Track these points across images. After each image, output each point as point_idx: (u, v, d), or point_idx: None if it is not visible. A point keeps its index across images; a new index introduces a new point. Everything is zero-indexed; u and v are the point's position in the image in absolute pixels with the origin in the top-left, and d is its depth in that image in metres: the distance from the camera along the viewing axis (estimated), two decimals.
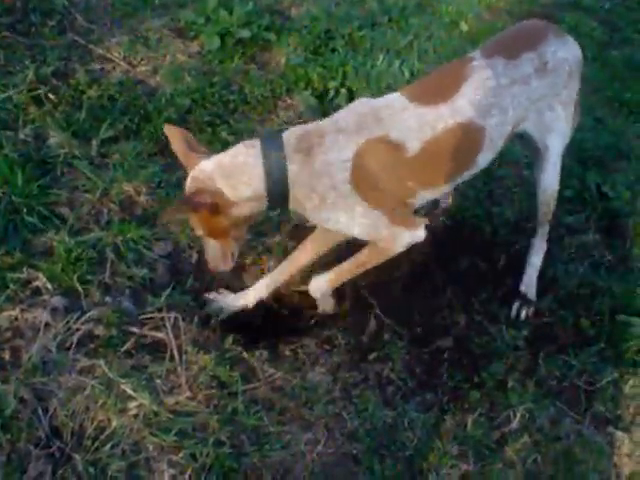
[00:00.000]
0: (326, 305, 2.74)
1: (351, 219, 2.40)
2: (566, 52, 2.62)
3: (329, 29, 4.31)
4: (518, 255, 3.10)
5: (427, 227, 2.93)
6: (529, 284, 2.96)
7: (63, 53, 3.66)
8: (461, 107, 2.41)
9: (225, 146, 3.39)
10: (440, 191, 2.62)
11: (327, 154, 2.32)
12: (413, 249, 3.06)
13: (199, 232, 2.45)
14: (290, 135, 2.38)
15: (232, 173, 2.32)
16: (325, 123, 2.41)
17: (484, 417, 2.52)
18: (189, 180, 2.36)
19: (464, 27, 4.70)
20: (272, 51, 4.16)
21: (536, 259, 2.96)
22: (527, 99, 2.53)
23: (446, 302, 2.92)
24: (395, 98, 2.45)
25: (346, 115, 2.41)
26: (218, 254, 2.50)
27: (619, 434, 2.55)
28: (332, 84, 3.86)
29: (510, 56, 2.50)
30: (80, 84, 3.48)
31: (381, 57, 4.13)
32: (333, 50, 4.19)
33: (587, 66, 4.60)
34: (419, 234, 2.50)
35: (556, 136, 2.70)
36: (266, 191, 2.33)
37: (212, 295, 2.75)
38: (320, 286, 2.64)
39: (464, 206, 3.35)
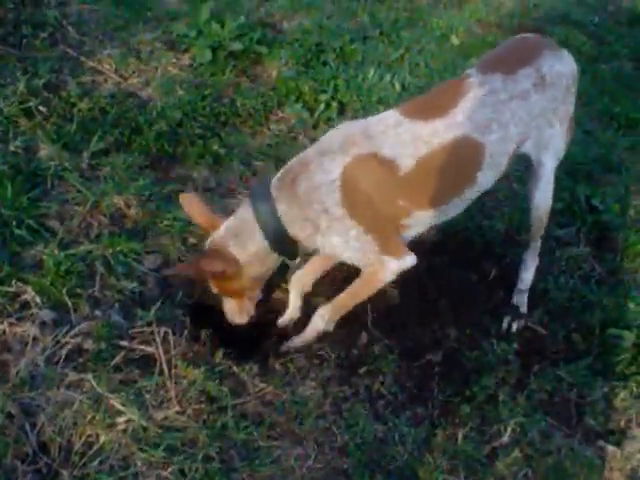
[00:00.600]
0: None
1: (345, 242, 2.40)
2: (563, 66, 2.62)
3: (320, 42, 4.33)
4: (509, 268, 3.11)
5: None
6: (521, 298, 2.96)
7: (54, 65, 3.67)
8: (458, 122, 2.37)
9: (216, 159, 3.43)
10: (440, 212, 2.53)
11: (311, 179, 2.32)
12: None
13: (214, 291, 2.57)
14: (276, 177, 2.43)
15: (239, 232, 2.42)
16: (308, 151, 2.43)
17: (475, 431, 2.52)
18: (209, 242, 2.49)
19: (455, 41, 4.74)
20: (264, 64, 4.17)
21: (528, 274, 2.97)
22: (527, 114, 2.50)
23: (437, 315, 2.91)
24: (389, 114, 2.45)
25: (330, 137, 2.42)
26: (234, 310, 2.62)
27: (610, 448, 2.54)
28: (323, 97, 3.87)
29: (507, 71, 2.48)
30: (71, 96, 3.47)
31: (372, 70, 4.15)
32: (324, 63, 4.21)
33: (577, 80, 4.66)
34: (408, 261, 2.51)
35: (551, 153, 2.69)
36: (267, 240, 2.40)
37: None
38: (323, 315, 2.64)
39: (455, 219, 3.34)
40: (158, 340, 2.50)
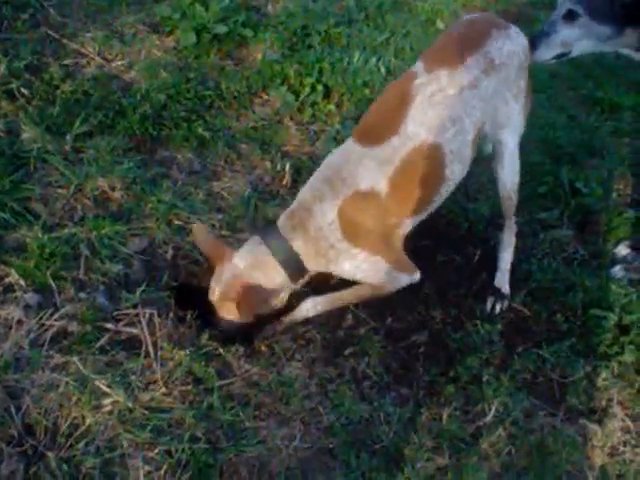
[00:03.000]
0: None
1: (356, 267, 2.57)
2: (512, 45, 2.60)
3: (306, 25, 4.30)
4: (493, 250, 3.13)
5: None
6: (502, 279, 2.98)
7: (36, 47, 3.61)
8: (411, 132, 2.46)
9: (201, 142, 3.42)
10: (426, 212, 2.68)
11: (317, 220, 2.49)
12: None
13: (229, 318, 2.59)
14: (281, 220, 2.58)
15: (261, 265, 2.52)
16: (305, 197, 2.56)
17: (459, 411, 2.54)
18: (229, 277, 2.54)
19: (440, 25, 4.73)
20: (248, 47, 4.14)
21: (506, 254, 2.99)
22: (480, 100, 2.53)
23: (422, 297, 2.93)
24: (350, 148, 2.56)
25: (320, 184, 2.55)
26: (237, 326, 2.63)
27: (592, 426, 2.58)
28: (308, 80, 3.85)
29: (454, 64, 2.48)
30: (54, 79, 3.43)
31: (357, 54, 4.13)
32: (309, 47, 4.18)
33: (560, 64, 4.68)
34: (416, 277, 2.70)
35: (510, 130, 2.70)
36: (287, 275, 2.53)
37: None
38: (315, 305, 2.70)
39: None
40: (144, 322, 2.50)
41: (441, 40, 2.76)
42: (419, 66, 2.56)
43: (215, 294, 2.58)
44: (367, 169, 2.48)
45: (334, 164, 2.59)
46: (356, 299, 2.73)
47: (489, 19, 2.77)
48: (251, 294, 2.50)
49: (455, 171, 2.58)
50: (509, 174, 2.78)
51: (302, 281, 2.64)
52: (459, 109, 2.47)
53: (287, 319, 2.70)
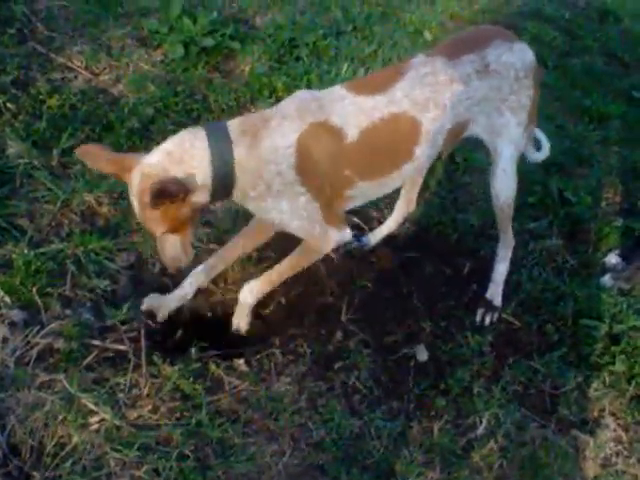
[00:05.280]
0: (242, 321, 2.69)
1: (294, 210, 2.43)
2: (512, 57, 2.62)
3: (294, 38, 4.31)
4: (483, 261, 3.13)
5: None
6: (495, 291, 2.97)
7: (23, 62, 3.60)
8: (397, 98, 2.45)
9: None
10: (381, 185, 2.60)
11: (273, 138, 2.35)
12: (380, 256, 3.12)
13: (160, 230, 2.34)
14: (233, 122, 2.39)
15: (183, 159, 2.27)
16: (268, 111, 2.45)
17: (450, 424, 2.53)
18: (137, 178, 2.24)
19: (428, 36, 4.74)
20: (236, 60, 4.14)
21: (501, 267, 2.98)
22: (468, 98, 2.55)
23: (412, 309, 2.92)
24: (336, 88, 2.52)
25: (289, 103, 2.45)
26: (179, 249, 2.42)
27: (583, 437, 2.58)
28: None
29: (451, 56, 2.54)
30: (40, 93, 3.42)
31: (346, 65, 4.13)
32: (297, 59, 4.19)
33: (548, 74, 4.71)
34: (346, 234, 2.59)
35: (506, 142, 2.70)
36: (211, 177, 2.30)
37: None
38: (251, 290, 2.62)
39: (429, 213, 3.36)
40: (131, 338, 2.49)
41: (447, 40, 2.90)
42: (421, 54, 2.62)
43: (135, 208, 2.32)
44: (345, 109, 2.42)
45: (314, 93, 2.52)
46: (291, 269, 2.61)
47: (497, 30, 2.83)
48: (166, 186, 2.17)
49: (424, 153, 2.56)
50: (502, 186, 2.77)
51: (218, 203, 2.46)
52: (445, 97, 2.50)
53: (235, 316, 2.67)
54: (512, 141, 2.71)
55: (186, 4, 4.24)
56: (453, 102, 2.51)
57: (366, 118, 2.42)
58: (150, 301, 2.66)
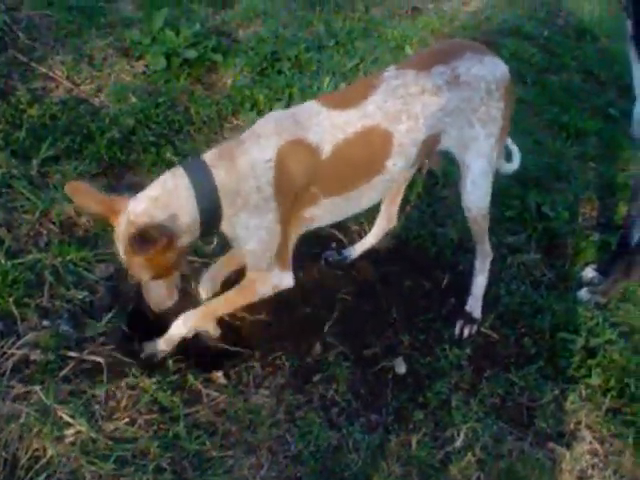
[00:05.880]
0: (162, 348, 2.56)
1: (258, 228, 2.41)
2: (482, 69, 2.64)
3: (276, 51, 4.34)
4: (462, 275, 3.15)
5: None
6: (474, 304, 2.99)
7: (3, 70, 3.59)
8: (369, 112, 2.47)
9: (170, 167, 3.37)
10: (349, 200, 2.59)
11: (250, 154, 2.36)
12: (360, 269, 3.14)
13: (145, 277, 2.38)
14: (208, 154, 2.41)
15: (169, 203, 2.29)
16: (242, 135, 2.46)
17: (428, 437, 2.53)
18: (123, 224, 2.26)
19: (409, 51, 4.79)
20: (218, 72, 4.16)
21: (480, 279, 3.00)
22: (439, 110, 2.56)
23: (390, 322, 2.93)
24: (311, 104, 2.53)
25: (264, 123, 2.46)
26: (164, 292, 2.47)
27: (560, 450, 2.59)
28: (278, 105, 3.86)
29: (422, 68, 2.57)
30: (21, 102, 3.41)
31: (327, 79, 4.16)
32: (280, 72, 4.22)
33: (527, 90, 4.78)
34: (288, 280, 2.56)
35: (475, 154, 2.70)
36: (199, 212, 2.31)
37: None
38: (186, 321, 2.53)
39: (408, 227, 3.39)
40: (109, 350, 2.47)
41: (419, 52, 2.87)
42: (392, 67, 2.64)
43: (120, 253, 2.33)
44: (320, 125, 2.44)
45: (288, 111, 2.55)
46: (228, 305, 2.59)
47: (469, 43, 2.87)
48: (151, 235, 2.19)
49: (396, 166, 2.57)
50: (472, 198, 2.78)
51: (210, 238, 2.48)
52: (417, 108, 2.52)
53: (161, 342, 2.55)
54: (481, 154, 2.71)
55: (169, 16, 4.26)
56: (425, 113, 2.53)
57: (340, 133, 2.44)
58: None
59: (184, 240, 2.34)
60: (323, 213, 2.58)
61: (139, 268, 2.34)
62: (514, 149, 3.07)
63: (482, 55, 2.69)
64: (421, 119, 2.53)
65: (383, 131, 2.48)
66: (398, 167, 2.57)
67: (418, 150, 2.59)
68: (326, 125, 2.43)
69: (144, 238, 2.18)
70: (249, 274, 2.55)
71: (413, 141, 2.54)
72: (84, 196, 2.34)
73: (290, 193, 2.42)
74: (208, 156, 2.39)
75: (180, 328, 2.53)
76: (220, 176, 2.33)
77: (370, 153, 2.51)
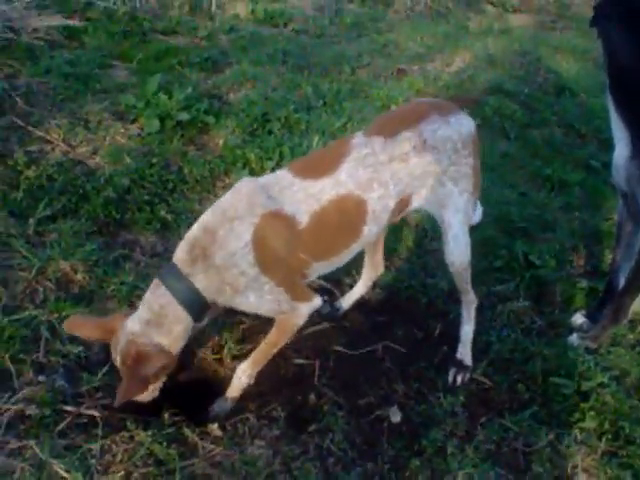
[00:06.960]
0: (232, 398, 2.70)
1: (260, 298, 2.48)
2: (448, 130, 2.68)
3: (266, 112, 4.49)
4: (453, 323, 3.19)
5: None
6: (464, 351, 3.02)
7: (2, 134, 3.70)
8: (342, 180, 2.52)
9: (164, 225, 3.47)
10: (332, 264, 2.67)
11: (226, 248, 2.39)
12: (353, 320, 3.18)
13: (140, 392, 2.43)
14: (178, 256, 2.45)
15: (160, 321, 2.41)
16: (208, 218, 2.46)
17: None
18: (124, 343, 2.39)
19: None
20: (210, 133, 4.28)
21: (467, 327, 3.03)
22: (408, 175, 2.62)
23: (384, 371, 2.95)
24: (282, 174, 2.56)
25: (234, 202, 2.47)
26: (148, 395, 2.53)
27: None
28: (269, 164, 3.99)
29: (389, 134, 2.61)
30: (18, 164, 3.50)
31: (316, 138, 4.30)
32: (270, 132, 4.36)
33: (510, 145, 4.94)
34: (315, 303, 2.63)
35: (452, 211, 2.75)
36: (190, 315, 2.44)
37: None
38: (244, 372, 2.66)
39: (399, 277, 3.45)
40: (104, 404, 2.47)
41: (385, 115, 2.94)
42: (360, 132, 2.69)
43: (117, 364, 2.45)
44: (294, 197, 2.47)
45: (257, 182, 2.52)
46: (273, 346, 2.66)
47: (435, 103, 2.90)
48: (151, 359, 2.37)
49: (371, 231, 2.63)
50: (455, 253, 2.83)
51: (205, 318, 2.58)
52: (387, 175, 2.58)
53: (228, 397, 2.67)
54: (458, 209, 2.75)
55: (162, 81, 4.42)
56: (394, 180, 2.59)
57: (315, 202, 2.48)
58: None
59: (178, 347, 2.48)
60: (315, 272, 2.65)
61: (136, 381, 2.40)
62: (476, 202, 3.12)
63: (447, 115, 2.71)
64: (391, 185, 2.59)
65: (356, 198, 2.53)
66: (373, 232, 2.64)
67: (390, 214, 2.65)
68: (300, 195, 2.47)
69: (146, 363, 2.36)
70: (279, 318, 2.62)
71: (385, 207, 2.60)
72: (82, 328, 2.50)
73: (278, 263, 2.46)
74: (180, 261, 2.43)
75: (242, 380, 2.66)
76: (200, 280, 2.41)
77: (346, 220, 2.56)
